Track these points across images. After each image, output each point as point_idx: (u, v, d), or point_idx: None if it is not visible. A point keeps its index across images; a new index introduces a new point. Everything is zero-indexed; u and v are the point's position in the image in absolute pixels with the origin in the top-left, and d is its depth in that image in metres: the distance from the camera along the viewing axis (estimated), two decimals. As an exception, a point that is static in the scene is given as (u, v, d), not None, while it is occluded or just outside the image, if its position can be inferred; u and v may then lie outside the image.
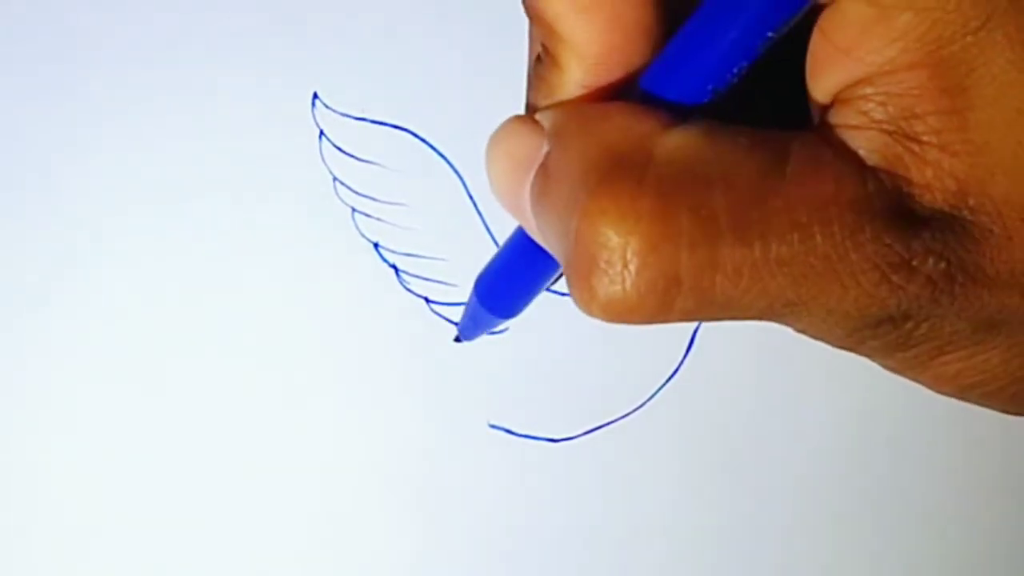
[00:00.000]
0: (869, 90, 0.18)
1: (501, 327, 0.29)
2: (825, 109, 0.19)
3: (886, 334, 0.19)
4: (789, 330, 0.42)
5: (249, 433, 0.39)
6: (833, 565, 0.41)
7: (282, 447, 0.39)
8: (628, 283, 0.17)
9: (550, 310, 0.40)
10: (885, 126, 0.17)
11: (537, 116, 0.20)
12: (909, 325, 0.18)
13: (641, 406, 0.40)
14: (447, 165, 0.39)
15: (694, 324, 0.40)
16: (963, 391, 0.20)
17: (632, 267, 0.17)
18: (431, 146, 0.39)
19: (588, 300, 0.18)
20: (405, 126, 0.39)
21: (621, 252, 0.17)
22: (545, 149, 0.19)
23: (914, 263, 0.17)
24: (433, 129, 0.39)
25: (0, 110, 0.39)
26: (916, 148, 0.17)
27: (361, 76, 0.39)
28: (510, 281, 0.26)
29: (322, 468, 0.39)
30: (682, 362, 0.40)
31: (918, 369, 0.20)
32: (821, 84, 0.18)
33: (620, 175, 0.17)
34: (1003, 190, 0.17)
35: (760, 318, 0.18)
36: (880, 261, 0.17)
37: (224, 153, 0.39)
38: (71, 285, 0.39)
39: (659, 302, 0.17)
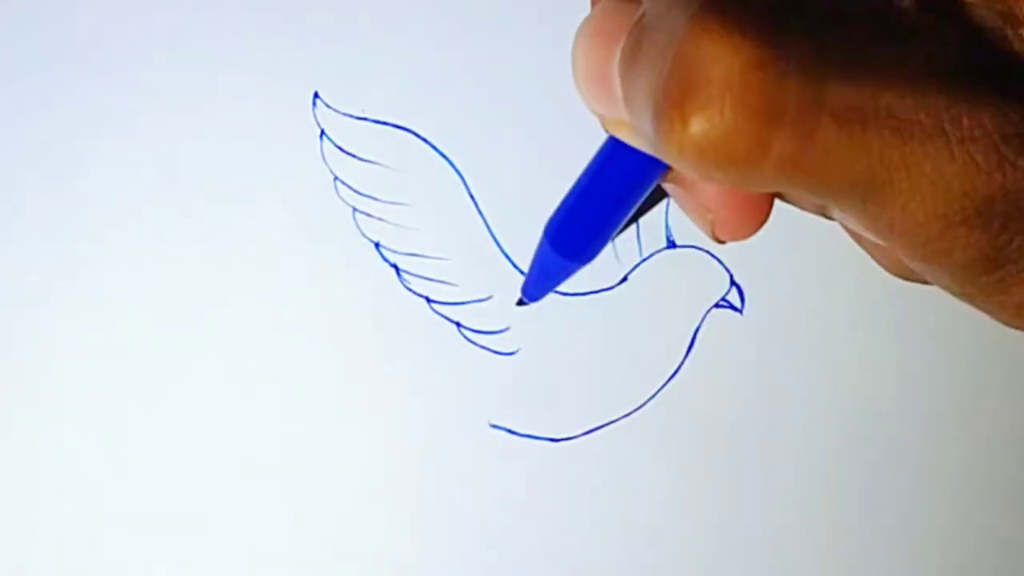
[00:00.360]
0: None
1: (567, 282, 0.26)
2: None
3: (978, 243, 0.17)
4: (788, 331, 0.42)
5: (249, 433, 0.39)
6: (833, 565, 0.41)
7: (282, 447, 0.39)
8: (727, 108, 0.15)
9: (550, 310, 0.40)
10: (996, 5, 0.17)
11: None
12: (1004, 237, 0.17)
13: (641, 406, 0.40)
14: (448, 165, 0.39)
15: (694, 324, 0.40)
16: None
17: (735, 88, 0.15)
18: (432, 146, 0.39)
19: (679, 131, 0.16)
20: (406, 126, 0.39)
21: (725, 70, 0.15)
22: (635, 17, 0.18)
23: None
24: (434, 129, 0.39)
25: (1, 111, 0.38)
26: (1022, 30, 0.17)
27: (361, 76, 0.39)
28: (587, 220, 0.24)
29: (322, 468, 0.39)
30: (682, 362, 0.40)
31: (1000, 295, 0.18)
32: None
33: (726, 5, 0.16)
34: None
35: (853, 191, 0.17)
36: (992, 129, 0.16)
37: (224, 153, 0.39)
38: (71, 285, 0.39)
39: (757, 136, 0.15)
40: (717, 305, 0.40)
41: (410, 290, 0.39)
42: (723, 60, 0.15)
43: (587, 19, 0.19)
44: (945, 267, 0.18)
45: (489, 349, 0.40)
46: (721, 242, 0.22)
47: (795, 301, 0.40)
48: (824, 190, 0.17)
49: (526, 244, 0.40)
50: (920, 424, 0.41)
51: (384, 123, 0.39)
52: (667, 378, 0.40)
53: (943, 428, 0.41)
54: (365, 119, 0.39)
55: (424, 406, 0.39)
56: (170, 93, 0.39)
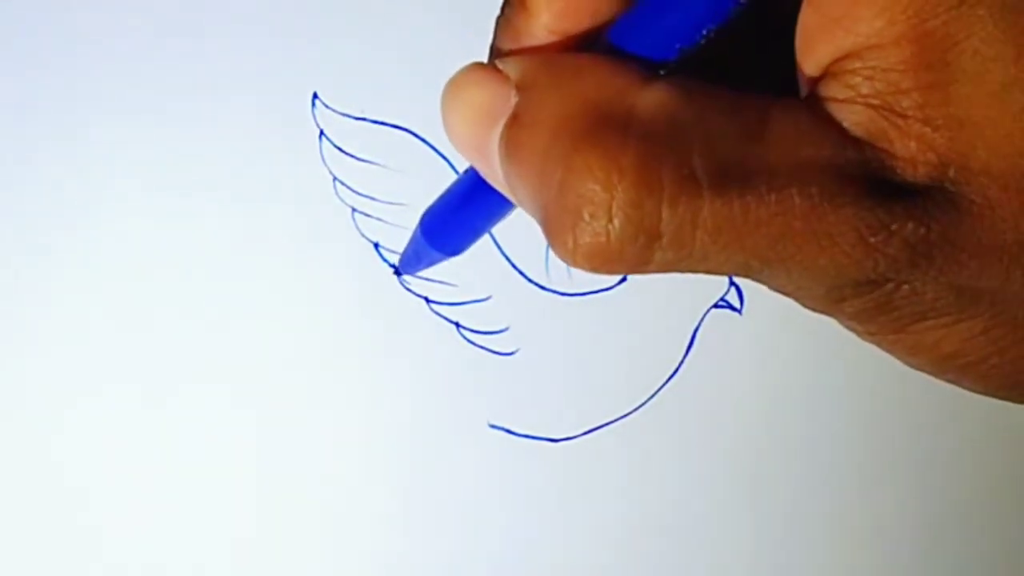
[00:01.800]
0: (857, 64, 0.18)
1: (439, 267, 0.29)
2: (814, 82, 0.19)
3: (867, 293, 0.19)
4: (788, 331, 0.42)
5: (249, 433, 0.39)
6: (833, 564, 0.41)
7: (282, 447, 0.39)
8: (612, 235, 0.18)
9: (550, 310, 0.40)
10: (871, 100, 0.18)
11: (501, 65, 0.20)
12: (890, 287, 0.19)
13: (641, 406, 0.40)
14: (447, 165, 0.39)
15: (694, 324, 0.40)
16: (941, 362, 0.20)
17: (617, 221, 0.18)
18: (431, 146, 0.39)
19: (572, 250, 0.18)
20: (405, 126, 0.39)
21: (606, 206, 0.18)
22: (514, 100, 0.19)
23: (893, 227, 0.18)
24: (433, 129, 0.39)
25: (1, 110, 0.39)
26: (900, 122, 0.18)
27: (361, 76, 0.39)
28: (458, 219, 0.26)
29: (322, 468, 0.39)
30: (682, 362, 0.40)
31: (898, 335, 0.20)
32: (811, 56, 0.19)
33: (604, 130, 0.18)
34: (983, 162, 0.18)
35: (737, 274, 0.19)
36: (859, 223, 0.17)
37: (224, 153, 0.39)
38: (71, 285, 0.39)
39: (639, 254, 0.18)
40: (716, 305, 0.40)
41: (409, 290, 0.39)
42: (605, 196, 0.17)
43: (458, 84, 0.20)
44: (842, 314, 0.20)
45: (488, 349, 0.40)
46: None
47: (794, 301, 0.40)
48: (709, 274, 0.19)
49: (526, 244, 0.40)
50: (920, 424, 0.41)
51: (384, 123, 0.39)
52: (666, 378, 0.40)
53: (944, 428, 0.41)
54: (365, 119, 0.39)
55: (423, 406, 0.39)
56: (169, 93, 0.39)
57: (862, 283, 0.19)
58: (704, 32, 0.19)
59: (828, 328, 0.41)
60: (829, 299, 0.19)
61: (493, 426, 0.40)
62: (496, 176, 0.20)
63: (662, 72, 0.19)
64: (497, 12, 0.40)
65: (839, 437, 0.41)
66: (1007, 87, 0.17)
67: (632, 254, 0.18)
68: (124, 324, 0.39)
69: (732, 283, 0.40)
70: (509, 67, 0.20)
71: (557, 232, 0.18)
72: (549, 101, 0.19)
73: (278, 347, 0.39)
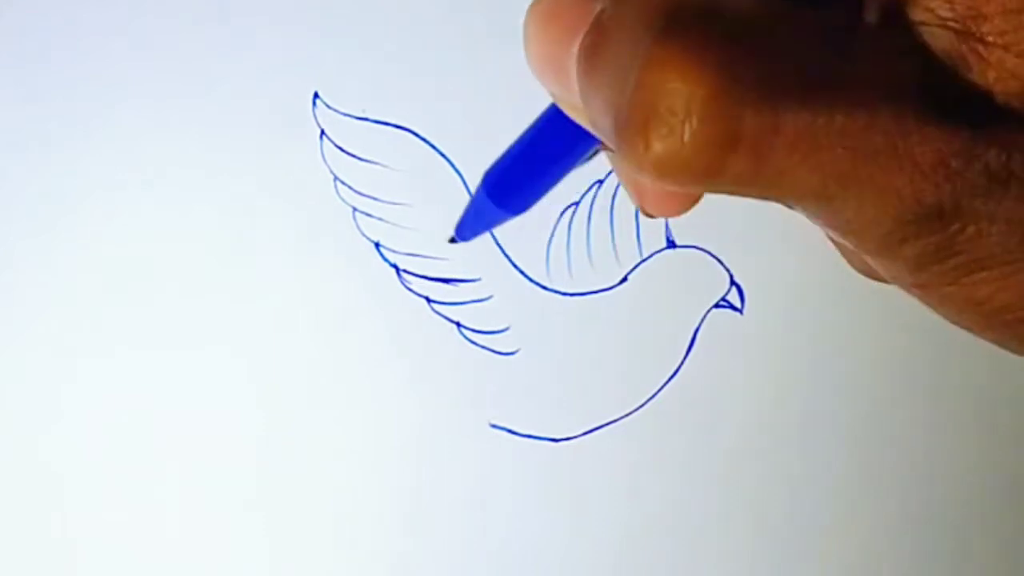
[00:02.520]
0: None
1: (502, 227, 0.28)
2: (892, 3, 0.18)
3: (929, 234, 0.18)
4: (788, 331, 0.42)
5: (249, 432, 0.39)
6: (833, 564, 0.41)
7: (282, 446, 0.39)
8: (687, 134, 0.17)
9: (550, 310, 0.40)
10: (951, 24, 0.18)
11: None
12: (955, 227, 0.18)
13: (641, 406, 0.40)
14: (448, 165, 0.39)
15: (694, 324, 0.40)
16: (991, 316, 0.19)
17: (694, 118, 0.17)
18: (432, 146, 0.39)
19: (642, 152, 0.17)
20: (406, 126, 0.39)
21: (685, 101, 0.17)
22: (599, 8, 0.18)
23: (975, 151, 0.17)
24: (433, 129, 0.39)
25: (1, 110, 0.39)
26: (980, 48, 0.17)
27: (361, 76, 0.39)
28: (524, 172, 0.25)
29: (322, 467, 0.39)
30: (682, 362, 0.40)
31: (951, 286, 0.19)
32: None
33: (687, 26, 0.17)
34: None
35: (807, 199, 0.18)
36: (942, 144, 0.17)
37: (225, 153, 0.39)
38: (71, 285, 0.39)
39: (714, 159, 0.17)
40: (717, 305, 0.40)
41: (410, 290, 0.39)
42: (683, 91, 0.17)
43: (537, 6, 0.20)
44: (898, 258, 0.19)
45: (489, 349, 0.40)
46: (649, 216, 0.23)
47: (795, 301, 0.40)
48: (778, 199, 0.18)
49: (526, 244, 0.40)
50: (920, 424, 0.41)
51: (384, 123, 0.39)
52: (667, 378, 0.40)
53: (944, 427, 0.41)
54: (365, 119, 0.39)
55: (424, 406, 0.39)
56: (170, 93, 0.39)
57: (932, 216, 0.18)
58: None
59: (829, 328, 0.41)
60: (891, 238, 0.18)
61: (494, 426, 0.40)
62: (571, 98, 0.19)
63: None
64: (496, 14, 0.40)
65: (839, 437, 0.41)
66: None
67: (707, 158, 0.17)
68: (124, 324, 0.39)
69: (733, 283, 0.40)
70: None
71: (628, 133, 0.17)
72: (631, 2, 0.18)
73: (278, 347, 0.39)
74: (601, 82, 0.18)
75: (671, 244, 0.40)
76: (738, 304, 0.40)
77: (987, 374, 0.41)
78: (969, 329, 0.20)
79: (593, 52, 0.18)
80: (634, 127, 0.17)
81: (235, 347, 0.39)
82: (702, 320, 0.40)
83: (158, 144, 0.39)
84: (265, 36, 0.39)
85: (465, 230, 0.28)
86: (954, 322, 0.20)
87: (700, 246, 0.40)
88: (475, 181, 0.40)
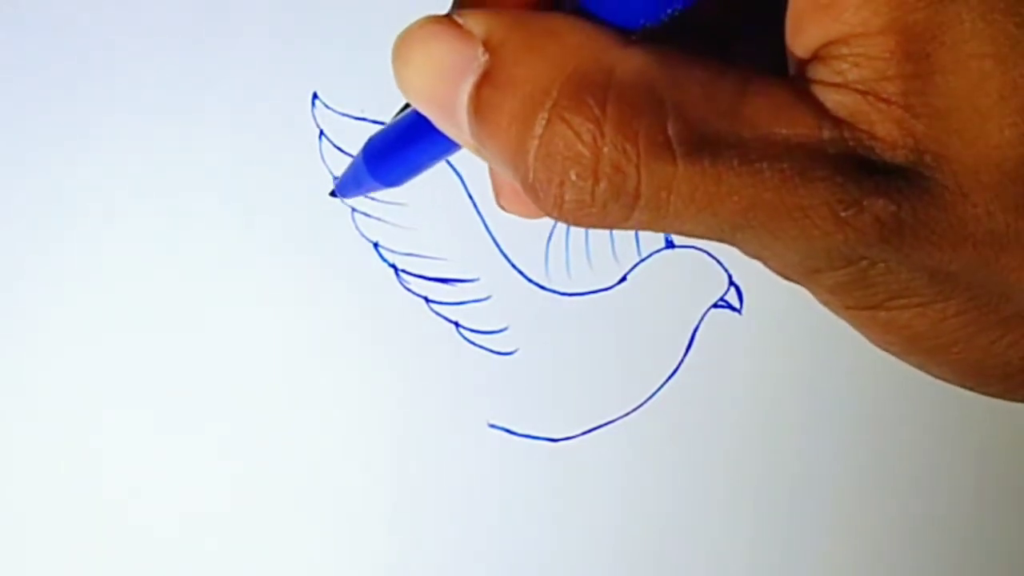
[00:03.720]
0: (845, 50, 0.19)
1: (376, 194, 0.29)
2: (803, 64, 0.19)
3: (840, 268, 0.19)
4: (788, 331, 0.42)
5: (248, 432, 0.39)
6: (833, 564, 0.41)
7: (281, 446, 0.39)
8: (596, 195, 0.19)
9: (550, 310, 0.40)
10: (857, 86, 0.18)
11: (462, 21, 0.20)
12: (864, 263, 0.19)
13: (640, 406, 0.40)
14: (447, 165, 0.39)
15: (693, 324, 0.40)
16: (910, 343, 0.21)
17: (602, 183, 0.18)
18: (431, 146, 0.39)
19: (556, 206, 0.19)
20: (405, 126, 0.39)
21: (592, 167, 0.18)
22: (483, 58, 0.20)
23: (864, 203, 0.18)
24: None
25: (1, 109, 0.39)
26: (883, 106, 0.18)
27: (361, 76, 0.39)
28: (402, 153, 0.25)
29: (321, 467, 0.39)
30: (681, 362, 0.40)
31: (872, 311, 0.20)
32: (800, 39, 0.19)
33: (587, 93, 0.18)
34: (958, 152, 0.18)
35: (712, 238, 0.19)
36: (830, 197, 0.18)
37: (224, 153, 0.39)
38: (70, 285, 0.39)
39: (620, 213, 0.19)
40: (716, 305, 0.40)
41: (409, 290, 0.39)
42: (589, 158, 0.18)
43: (418, 38, 0.20)
44: (819, 285, 0.20)
45: (488, 349, 0.40)
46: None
47: (794, 301, 0.40)
48: (685, 236, 0.19)
49: (525, 244, 0.40)
50: (920, 424, 0.41)
51: (383, 123, 0.39)
52: (666, 378, 0.40)
53: (943, 428, 0.41)
54: (365, 119, 0.39)
55: (423, 406, 0.39)
56: (170, 93, 0.39)
57: (835, 257, 0.19)
58: (669, 11, 0.19)
59: (828, 328, 0.41)
60: (804, 269, 0.20)
61: (493, 426, 0.40)
62: (459, 131, 0.21)
63: (633, 37, 0.19)
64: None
65: (838, 437, 0.41)
66: (984, 81, 0.18)
67: (614, 212, 0.19)
68: (123, 324, 0.39)
69: (732, 283, 0.40)
70: (472, 23, 0.20)
71: (544, 191, 0.19)
72: (524, 62, 0.19)
73: (278, 346, 0.39)
74: (498, 137, 0.20)
75: (670, 244, 0.40)
76: (737, 304, 0.40)
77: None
78: (893, 352, 0.21)
79: (487, 108, 0.20)
80: (548, 186, 0.19)
81: (234, 346, 0.39)
82: (701, 320, 0.40)
83: (157, 144, 0.39)
84: (265, 36, 0.39)
85: (344, 189, 0.30)
86: (879, 345, 0.22)
87: (699, 246, 0.40)
88: (475, 181, 0.40)
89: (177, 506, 0.39)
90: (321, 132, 0.39)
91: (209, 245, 0.39)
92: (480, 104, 0.20)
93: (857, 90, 0.18)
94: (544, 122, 0.19)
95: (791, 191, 0.18)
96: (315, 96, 0.39)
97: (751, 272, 0.40)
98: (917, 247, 0.18)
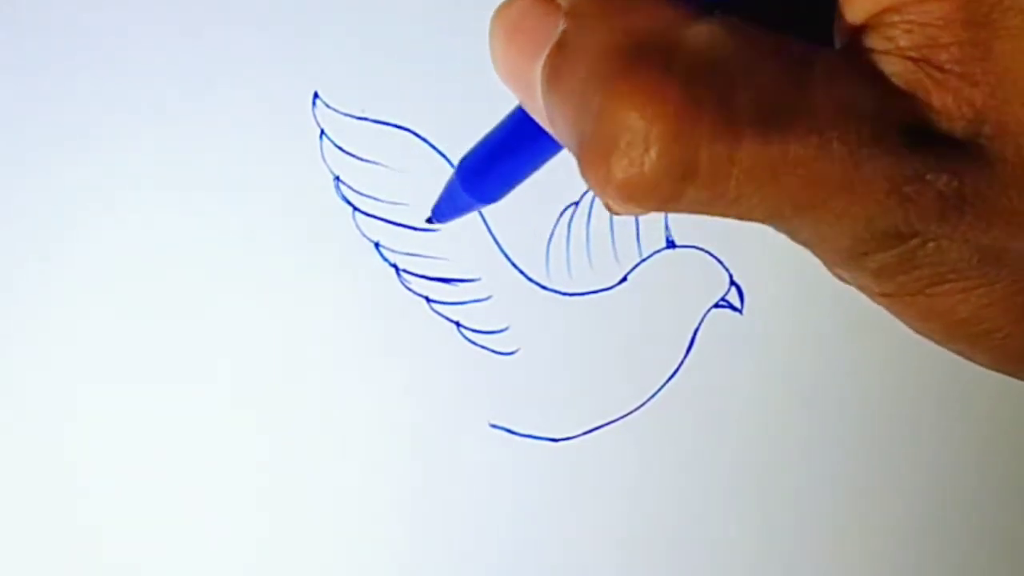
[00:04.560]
0: (897, 17, 0.18)
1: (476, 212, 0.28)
2: (854, 32, 0.19)
3: (890, 248, 0.19)
4: (788, 331, 0.42)
5: (248, 432, 0.39)
6: (834, 564, 0.41)
7: (281, 446, 0.39)
8: (647, 166, 0.18)
9: (550, 310, 0.40)
10: (910, 53, 0.18)
11: None
12: (915, 242, 0.19)
13: (641, 406, 0.40)
14: (448, 165, 0.39)
15: (694, 324, 0.40)
16: (953, 328, 0.20)
17: (653, 152, 0.17)
18: (432, 146, 0.39)
19: (604, 179, 0.18)
20: (406, 126, 0.39)
21: (644, 135, 0.17)
22: (562, 27, 0.19)
23: (927, 177, 0.18)
24: (433, 129, 0.39)
25: (1, 109, 0.39)
26: (938, 75, 0.18)
27: (361, 76, 0.39)
28: (497, 164, 0.25)
29: (321, 468, 0.39)
30: (682, 362, 0.40)
31: (914, 297, 0.20)
32: (852, 7, 0.19)
33: (648, 60, 0.18)
34: (1020, 120, 0.18)
35: (767, 219, 0.19)
36: (893, 172, 0.18)
37: (224, 152, 0.39)
38: (70, 284, 0.39)
39: (673, 189, 0.18)
40: (717, 305, 0.40)
41: (410, 290, 0.39)
42: (644, 125, 0.18)
43: (508, 11, 0.20)
44: (862, 269, 0.20)
45: (489, 349, 0.40)
46: (614, 212, 0.24)
47: (795, 301, 0.40)
48: (738, 218, 0.19)
49: (526, 244, 0.40)
50: (921, 424, 0.41)
51: (384, 123, 0.39)
52: (667, 378, 0.40)
53: (944, 428, 0.41)
54: (365, 119, 0.39)
55: (423, 406, 0.39)
56: (169, 93, 0.39)
57: (889, 235, 0.19)
58: None
59: (830, 328, 0.41)
60: (853, 252, 0.19)
61: (493, 426, 0.40)
62: (537, 107, 0.20)
63: (715, 12, 0.19)
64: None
65: (839, 437, 0.41)
66: None
67: (666, 188, 0.18)
68: (123, 324, 0.39)
69: (733, 283, 0.40)
70: None
71: (592, 160, 0.18)
72: (595, 29, 0.19)
73: (278, 347, 0.39)
74: (564, 104, 0.19)
75: (671, 244, 0.40)
76: (738, 304, 0.40)
77: (988, 373, 0.41)
78: (933, 339, 0.21)
79: (556, 75, 0.19)
80: (597, 155, 0.18)
81: (233, 346, 0.39)
82: (702, 320, 0.40)
83: (158, 144, 0.39)
84: (265, 36, 0.39)
85: (441, 214, 0.30)
86: (919, 332, 0.21)
87: (700, 246, 0.40)
88: (475, 181, 0.40)
89: (177, 506, 0.39)
90: (321, 132, 0.39)
91: (209, 245, 0.39)
92: (550, 71, 0.19)
93: (910, 57, 0.18)
94: (601, 88, 0.18)
95: (856, 164, 0.17)
96: (315, 96, 0.39)
97: (752, 272, 0.40)
98: (975, 223, 0.18)
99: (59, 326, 0.39)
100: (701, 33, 0.18)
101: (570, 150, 0.19)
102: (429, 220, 0.31)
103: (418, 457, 0.39)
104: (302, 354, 0.39)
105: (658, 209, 0.18)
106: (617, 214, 0.24)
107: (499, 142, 0.25)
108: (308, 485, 0.39)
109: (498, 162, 0.25)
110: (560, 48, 0.19)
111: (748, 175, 0.18)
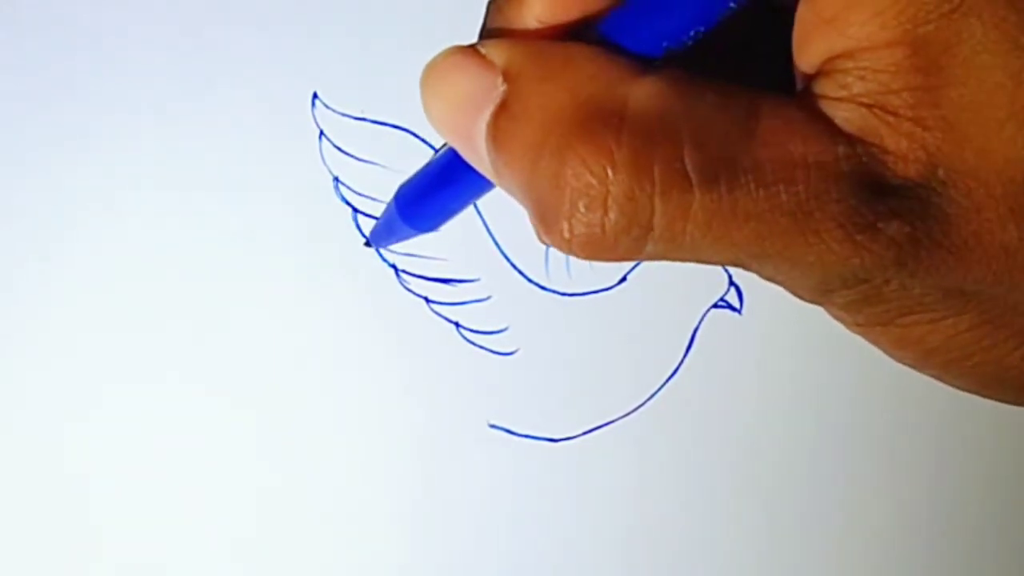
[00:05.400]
0: (850, 64, 0.18)
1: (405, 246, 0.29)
2: (808, 79, 0.19)
3: (855, 286, 0.19)
4: (788, 331, 0.42)
5: (248, 433, 0.39)
6: (834, 564, 0.41)
7: (281, 447, 0.39)
8: (607, 227, 0.18)
9: (550, 310, 0.40)
10: (863, 99, 0.18)
11: (484, 50, 0.20)
12: (878, 281, 0.19)
13: (641, 406, 0.40)
14: (447, 165, 0.39)
15: (693, 324, 0.40)
16: (925, 357, 0.21)
17: (612, 214, 0.18)
18: (431, 146, 0.39)
19: (566, 241, 0.19)
20: (405, 126, 0.39)
21: (601, 199, 0.18)
22: (501, 88, 0.20)
23: (879, 225, 0.18)
24: (433, 129, 0.39)
25: (1, 109, 0.39)
26: (891, 119, 0.18)
27: (361, 76, 0.39)
28: (434, 197, 0.26)
29: (320, 468, 0.39)
30: (682, 362, 0.40)
31: (885, 327, 0.20)
32: (805, 53, 0.19)
33: (598, 123, 0.18)
34: (972, 165, 0.18)
35: (728, 264, 0.19)
36: (845, 220, 0.18)
37: (224, 153, 0.39)
38: (70, 284, 0.39)
39: (632, 245, 0.19)
40: (716, 305, 0.40)
41: (409, 290, 0.39)
42: (600, 189, 0.18)
43: (441, 69, 0.21)
44: (832, 304, 0.20)
45: (488, 349, 0.40)
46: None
47: (794, 301, 0.40)
48: (702, 263, 0.19)
49: (526, 244, 0.40)
50: (921, 424, 0.41)
51: (384, 123, 0.39)
52: (666, 378, 0.40)
53: (945, 428, 0.41)
54: (365, 119, 0.39)
55: (423, 406, 0.39)
56: (169, 93, 0.39)
57: (850, 278, 0.19)
58: (692, 33, 0.19)
59: (828, 328, 0.41)
60: (818, 290, 0.20)
61: (493, 426, 0.40)
62: (480, 161, 0.21)
63: (657, 63, 0.19)
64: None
65: (839, 437, 0.41)
66: (996, 93, 0.18)
67: (625, 244, 0.18)
68: (122, 324, 0.39)
69: (732, 283, 0.40)
70: (494, 53, 0.20)
71: (552, 223, 0.19)
72: (539, 92, 0.19)
73: (278, 347, 0.39)
74: (514, 167, 0.19)
75: (670, 244, 0.40)
76: (737, 304, 0.40)
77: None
78: (909, 364, 0.21)
79: (504, 137, 0.19)
80: (555, 219, 0.19)
81: (233, 346, 0.39)
82: (701, 320, 0.40)
83: (158, 144, 0.39)
84: (265, 36, 0.39)
85: (379, 238, 0.30)
86: (895, 358, 0.22)
87: (699, 246, 0.40)
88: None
89: (175, 507, 0.39)
90: (321, 132, 0.39)
91: (208, 245, 0.39)
92: (497, 133, 0.20)
93: (863, 103, 0.18)
94: (554, 152, 0.18)
95: (806, 216, 0.18)
96: (315, 96, 0.39)
97: (752, 272, 0.40)
98: (932, 267, 0.18)
99: (59, 326, 0.39)
100: (646, 90, 0.18)
101: (523, 208, 0.20)
102: (367, 244, 0.31)
103: (418, 457, 0.39)
104: (302, 354, 0.39)
105: (620, 260, 0.19)
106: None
107: (436, 175, 0.25)
108: (308, 485, 0.39)
109: (435, 194, 0.25)
110: (504, 111, 0.19)
111: (702, 229, 0.18)
